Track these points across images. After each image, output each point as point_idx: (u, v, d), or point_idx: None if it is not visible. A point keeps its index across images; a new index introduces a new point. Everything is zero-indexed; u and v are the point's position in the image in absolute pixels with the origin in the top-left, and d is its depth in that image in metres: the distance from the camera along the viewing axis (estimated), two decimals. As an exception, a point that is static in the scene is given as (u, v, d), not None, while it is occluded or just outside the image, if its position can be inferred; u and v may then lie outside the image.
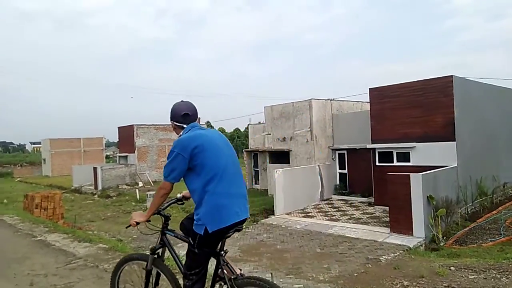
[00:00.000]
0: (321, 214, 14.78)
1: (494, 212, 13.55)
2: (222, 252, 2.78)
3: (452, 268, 8.06)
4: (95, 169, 29.52)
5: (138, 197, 23.66)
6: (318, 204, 16.85)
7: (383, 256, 9.29)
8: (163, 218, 3.32)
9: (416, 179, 10.97)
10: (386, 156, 15.11)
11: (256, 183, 23.14)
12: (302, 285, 7.55)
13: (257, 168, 22.92)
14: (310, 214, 14.97)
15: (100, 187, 28.31)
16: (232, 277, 2.67)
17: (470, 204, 13.72)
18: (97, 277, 5.75)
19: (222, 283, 2.74)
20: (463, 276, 7.55)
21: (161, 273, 3.23)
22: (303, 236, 11.70)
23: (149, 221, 3.18)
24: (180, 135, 2.81)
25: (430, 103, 13.68)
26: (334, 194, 18.23)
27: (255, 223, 14.34)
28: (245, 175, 24.63)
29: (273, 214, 15.07)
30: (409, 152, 14.35)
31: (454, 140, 13.13)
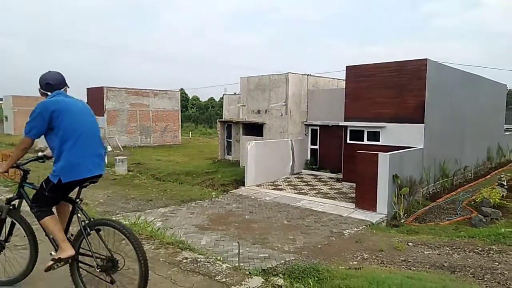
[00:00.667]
0: (291, 187, 15.06)
1: (453, 193, 14.29)
2: (78, 200, 3.37)
3: (410, 243, 8.49)
4: (61, 130, 28.44)
5: (106, 161, 23.11)
6: (288, 178, 17.12)
7: (347, 230, 9.64)
8: (21, 172, 3.59)
9: (383, 158, 11.30)
10: (357, 134, 15.41)
11: (228, 154, 23.13)
12: (267, 254, 7.74)
13: (230, 139, 22.85)
14: (279, 187, 15.21)
15: (66, 149, 27.41)
16: (86, 220, 3.24)
17: (432, 184, 14.37)
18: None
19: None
20: (419, 251, 7.98)
21: (16, 223, 3.58)
22: (272, 207, 11.91)
23: (7, 172, 3.49)
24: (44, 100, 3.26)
25: (404, 84, 13.92)
26: (304, 169, 18.56)
27: (225, 193, 14.44)
28: (217, 146, 24.56)
29: (244, 185, 15.20)
30: (379, 132, 14.69)
31: (423, 123, 13.53)
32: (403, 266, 6.98)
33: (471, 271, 6.58)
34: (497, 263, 6.94)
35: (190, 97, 79.29)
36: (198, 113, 72.96)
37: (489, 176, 18.14)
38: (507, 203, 12.27)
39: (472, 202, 12.65)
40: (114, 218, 7.73)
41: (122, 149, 29.23)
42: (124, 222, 6.68)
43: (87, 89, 33.80)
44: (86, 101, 37.21)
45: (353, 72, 15.39)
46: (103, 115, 30.82)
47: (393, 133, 14.27)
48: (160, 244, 5.40)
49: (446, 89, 15.10)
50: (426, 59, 13.47)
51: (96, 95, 31.83)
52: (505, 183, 14.28)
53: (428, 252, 7.85)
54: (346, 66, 15.57)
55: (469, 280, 6.15)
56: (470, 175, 17.53)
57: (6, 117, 48.06)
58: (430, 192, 14.13)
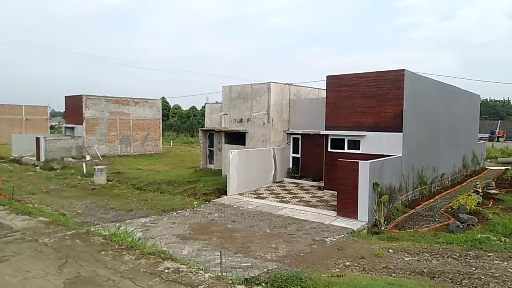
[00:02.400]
0: (273, 196, 15.07)
1: (431, 200, 14.62)
2: None
3: (390, 250, 8.62)
4: (37, 139, 27.65)
5: (84, 171, 22.59)
6: (271, 186, 17.14)
7: (329, 238, 9.70)
8: None
9: (364, 166, 11.48)
10: (338, 143, 15.62)
11: (210, 163, 23.00)
12: (250, 264, 7.69)
13: (212, 147, 22.74)
14: (262, 195, 15.20)
15: (42, 159, 26.63)
16: None
17: (411, 192, 14.67)
18: (35, 251, 5.45)
19: None
20: (400, 258, 8.10)
21: None
22: (254, 216, 11.87)
23: None
24: None
25: (383, 94, 14.25)
26: (287, 177, 18.63)
27: (207, 202, 14.31)
28: (199, 154, 24.41)
29: (226, 194, 15.12)
30: (359, 140, 14.94)
31: (401, 131, 13.85)
32: (384, 273, 7.07)
33: (449, 276, 6.73)
34: (474, 268, 7.12)
35: (172, 106, 78.72)
36: (180, 121, 72.43)
37: (465, 183, 18.68)
38: (482, 210, 12.64)
39: (450, 209, 12.97)
40: (92, 229, 7.55)
41: (101, 158, 28.63)
42: (104, 233, 6.54)
43: (65, 97, 33.10)
44: (64, 109, 36.31)
45: (333, 81, 15.65)
46: (82, 124, 30.19)
47: (373, 141, 14.54)
48: (141, 255, 5.31)
49: (423, 99, 15.54)
50: (403, 70, 13.86)
51: (74, 104, 31.17)
52: (480, 190, 14.72)
53: (408, 259, 7.98)
54: (327, 76, 15.83)
55: (448, 286, 6.28)
56: (447, 182, 18.00)
57: (-21, 126, 46.39)
58: (409, 199, 14.42)
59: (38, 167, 25.33)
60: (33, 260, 5.11)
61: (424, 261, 7.77)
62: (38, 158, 27.06)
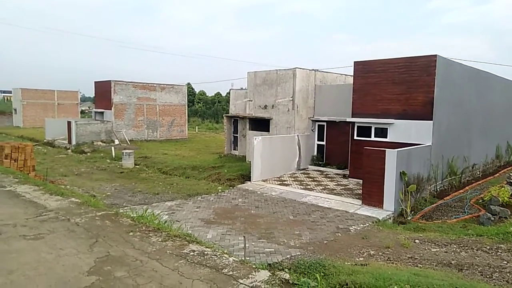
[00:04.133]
0: (297, 183, 15.03)
1: (461, 191, 14.15)
2: None
3: (416, 241, 8.45)
4: (69, 123, 28.64)
5: (113, 154, 23.27)
6: (294, 173, 17.09)
7: (353, 226, 9.61)
8: None
9: (391, 155, 11.22)
10: (364, 130, 15.31)
11: (234, 149, 23.14)
12: (273, 249, 7.75)
13: (237, 134, 22.83)
14: (285, 182, 15.19)
15: (74, 142, 27.62)
16: None
17: (440, 182, 14.25)
18: (68, 230, 5.68)
19: None
20: (426, 248, 7.93)
21: None
22: (278, 203, 11.91)
23: None
24: None
25: (412, 80, 13.77)
26: (311, 165, 18.51)
27: (231, 187, 14.46)
28: (223, 140, 24.58)
29: (250, 180, 15.21)
30: (387, 128, 14.58)
31: (431, 119, 13.39)
32: (409, 263, 6.95)
33: (479, 269, 6.53)
34: (505, 262, 6.88)
35: (197, 92, 79.35)
36: (205, 108, 73.01)
37: (497, 174, 17.93)
38: (516, 202, 12.12)
39: (480, 200, 12.51)
40: (121, 211, 7.80)
41: (129, 143, 29.37)
42: (132, 215, 6.74)
43: (95, 82, 33.97)
44: (93, 94, 37.46)
45: (361, 67, 15.26)
46: (111, 109, 30.98)
47: (401, 129, 14.15)
48: (167, 237, 5.44)
49: (455, 86, 14.91)
50: (435, 55, 13.31)
51: (103, 89, 31.97)
52: (514, 182, 14.10)
53: (435, 250, 7.80)
54: (354, 62, 15.44)
55: (477, 278, 6.10)
56: (478, 173, 17.35)
57: (15, 110, 48.55)
58: (438, 189, 14.02)
59: (69, 150, 26.31)
60: (66, 238, 5.34)
61: (452, 253, 7.58)
62: (69, 142, 28.09)
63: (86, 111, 68.78)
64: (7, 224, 5.92)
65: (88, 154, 24.73)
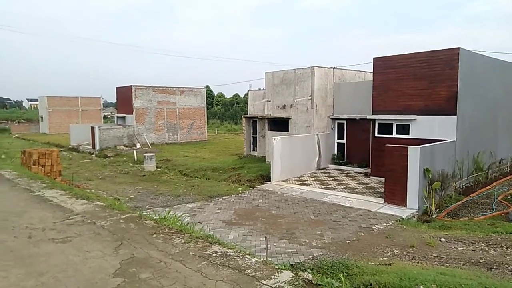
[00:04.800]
0: (317, 182, 14.93)
1: (488, 187, 13.70)
2: None
3: (442, 239, 8.24)
4: (92, 128, 29.42)
5: (135, 158, 23.74)
6: (315, 173, 16.97)
7: (376, 225, 9.46)
8: None
9: (414, 152, 10.98)
10: (385, 127, 15.05)
11: (254, 150, 23.19)
12: (295, 250, 7.72)
13: (256, 134, 22.87)
14: (306, 182, 15.11)
15: (97, 147, 28.34)
16: None
17: (466, 178, 13.85)
18: (94, 233, 5.84)
19: None
20: (453, 247, 7.73)
21: None
22: (298, 203, 11.86)
23: None
24: None
25: (435, 75, 13.44)
26: (331, 164, 18.34)
27: (251, 188, 14.50)
28: (243, 142, 24.68)
29: (270, 181, 15.21)
30: (409, 125, 14.29)
31: (455, 114, 13.04)
32: (435, 262, 6.79)
33: (509, 268, 6.32)
34: (537, 260, 6.62)
35: (215, 94, 79.93)
36: (224, 109, 73.46)
37: (527, 169, 17.27)
38: (548, 198, 11.66)
39: (509, 197, 12.09)
40: (144, 213, 7.95)
41: (150, 146, 29.91)
42: (155, 217, 6.86)
43: (117, 88, 34.76)
44: (115, 100, 38.17)
45: (380, 63, 15.01)
46: (132, 113, 31.62)
47: (423, 125, 13.84)
48: (190, 238, 5.51)
49: (479, 79, 14.46)
50: (458, 48, 12.95)
51: (125, 94, 32.67)
52: (545, 177, 13.57)
53: (462, 248, 7.59)
54: (374, 58, 15.21)
55: (507, 278, 5.90)
56: (506, 168, 16.75)
57: (42, 117, 50.27)
58: (463, 186, 13.62)
59: (93, 155, 27.02)
60: (92, 241, 5.48)
61: (480, 251, 7.35)
62: (93, 147, 28.85)
63: (109, 116, 70.48)
64: (37, 228, 6.14)
65: (111, 158, 25.32)
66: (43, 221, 6.48)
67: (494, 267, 6.42)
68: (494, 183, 14.30)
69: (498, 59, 16.32)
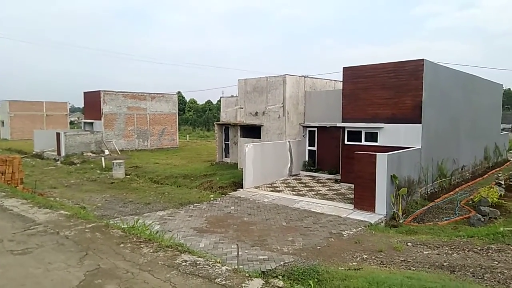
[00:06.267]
0: (289, 189, 15.03)
1: (451, 193, 14.30)
2: None
3: (409, 244, 8.48)
4: (58, 134, 28.32)
5: (103, 165, 23.04)
6: (287, 179, 17.10)
7: (346, 231, 9.62)
8: None
9: (382, 159, 11.30)
10: (354, 135, 15.42)
11: (226, 156, 23.10)
12: (266, 256, 7.71)
13: (228, 141, 22.81)
14: (278, 188, 15.18)
15: (63, 154, 27.29)
16: None
17: (430, 184, 14.38)
18: (57, 244, 5.58)
19: None
20: (419, 251, 7.97)
21: None
22: (270, 209, 11.88)
23: None
24: None
25: (401, 85, 13.95)
26: (303, 170, 18.55)
27: (223, 195, 14.40)
28: (215, 148, 24.52)
29: (242, 187, 15.17)
30: (377, 132, 14.70)
31: (420, 123, 13.55)
32: (402, 266, 6.97)
33: (470, 270, 6.58)
34: (496, 262, 6.94)
35: (187, 100, 79.27)
36: (196, 116, 72.91)
37: (486, 175, 18.18)
38: (505, 202, 12.30)
39: (470, 202, 12.66)
40: (111, 222, 7.69)
41: (119, 153, 29.13)
42: (123, 226, 6.65)
43: (84, 93, 33.72)
44: (82, 105, 36.98)
45: (350, 73, 15.41)
46: (101, 119, 30.73)
47: (390, 133, 14.29)
48: (159, 247, 5.37)
49: (442, 89, 15.14)
50: (423, 59, 13.51)
51: (93, 99, 31.73)
52: (502, 182, 14.31)
53: (427, 252, 7.84)
54: (343, 67, 15.59)
55: (469, 280, 6.14)
56: (467, 174, 17.56)
57: (2, 122, 47.88)
58: (428, 192, 14.14)
59: (59, 162, 25.98)
60: (55, 252, 5.24)
61: (444, 255, 7.63)
62: (59, 153, 27.75)
63: (76, 122, 68.17)
64: (-6, 239, 5.79)
65: (78, 165, 24.45)
66: (1, 232, 6.12)
67: (457, 269, 6.67)
68: (457, 189, 14.94)
69: (459, 70, 17.19)
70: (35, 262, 4.88)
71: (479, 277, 6.25)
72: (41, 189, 15.08)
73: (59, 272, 4.55)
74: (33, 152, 30.31)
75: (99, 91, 30.94)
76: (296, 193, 14.23)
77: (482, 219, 10.57)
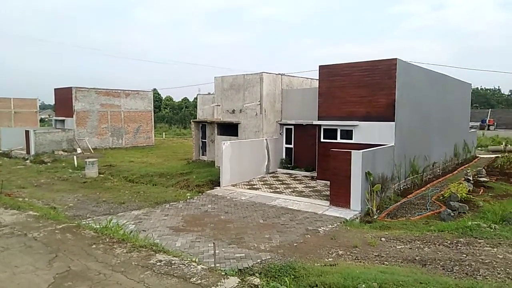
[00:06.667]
0: (266, 186, 15.07)
1: (423, 189, 14.74)
2: None
3: (383, 239, 8.67)
4: (27, 132, 27.23)
5: (76, 164, 22.35)
6: (264, 177, 17.13)
7: (322, 228, 9.73)
8: None
9: (356, 156, 11.50)
10: (330, 133, 15.62)
11: (203, 154, 22.90)
12: (243, 254, 7.69)
13: (205, 139, 22.62)
14: (255, 186, 15.19)
15: (33, 152, 26.28)
16: None
17: (403, 181, 14.77)
18: (25, 246, 5.36)
19: None
20: (392, 246, 8.16)
21: None
22: (247, 207, 11.86)
23: None
24: None
25: (375, 83, 14.22)
26: (280, 168, 18.64)
27: (200, 194, 14.26)
28: (192, 146, 24.26)
29: (219, 186, 15.08)
30: (352, 130, 14.95)
31: (394, 121, 13.87)
32: (376, 261, 7.11)
33: (441, 263, 6.79)
34: (465, 255, 7.20)
35: (164, 97, 78.10)
36: (172, 113, 71.97)
37: (456, 171, 18.87)
38: (473, 197, 12.79)
39: (441, 197, 13.09)
40: (83, 223, 7.47)
41: (92, 151, 28.35)
42: (95, 226, 6.47)
43: (55, 89, 32.59)
44: (53, 102, 35.67)
45: (326, 71, 15.58)
46: (72, 116, 29.80)
47: (365, 131, 14.56)
48: (133, 248, 5.26)
49: (415, 88, 15.56)
50: (395, 59, 13.82)
51: (64, 96, 30.71)
52: (471, 178, 14.88)
53: (400, 247, 8.04)
54: (319, 66, 15.74)
55: (439, 272, 6.34)
56: (438, 171, 18.16)
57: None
58: (401, 188, 14.52)
59: (28, 161, 25.01)
60: (22, 255, 5.03)
61: (416, 249, 7.84)
62: (28, 152, 26.71)
63: (46, 120, 65.89)
64: (-44, 242, 5.50)
65: (49, 164, 23.61)
66: (-36, 235, 5.82)
67: (428, 263, 6.86)
68: (428, 185, 15.42)
69: (431, 70, 17.71)
70: (1, 265, 4.67)
71: (449, 270, 6.46)
72: (8, 189, 14.46)
73: (27, 275, 4.37)
74: (0, 151, 29.05)
75: (71, 87, 29.97)
76: (273, 190, 14.28)
77: (452, 214, 10.94)
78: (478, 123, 53.38)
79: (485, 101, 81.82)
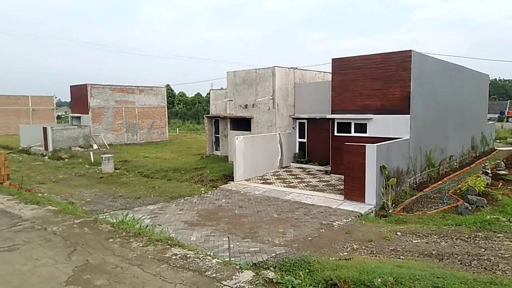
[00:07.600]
0: (280, 181, 15.06)
1: (440, 182, 14.50)
2: None
3: (398, 233, 8.58)
4: (45, 129, 27.82)
5: (92, 159, 22.75)
6: (277, 171, 17.12)
7: (336, 222, 9.68)
8: None
9: (371, 150, 11.37)
10: (344, 126, 15.48)
11: (216, 150, 23.01)
12: (258, 248, 7.72)
13: (218, 134, 22.71)
14: (268, 180, 15.20)
15: (50, 148, 26.85)
16: None
17: (419, 174, 14.56)
18: (44, 240, 5.50)
19: None
20: (408, 240, 8.07)
21: None
22: (261, 202, 11.89)
23: None
24: None
25: (389, 76, 14.00)
26: (293, 162, 18.59)
27: (214, 188, 14.36)
28: (205, 141, 24.40)
29: (233, 180, 15.14)
30: (366, 124, 14.78)
31: (409, 113, 13.65)
32: (392, 256, 7.05)
33: (458, 258, 6.68)
34: (483, 250, 7.07)
35: (177, 93, 78.62)
36: (185, 109, 72.42)
37: (473, 164, 18.48)
38: (492, 191, 12.51)
39: (458, 191, 12.85)
40: (100, 217, 7.62)
41: (108, 147, 28.79)
42: (112, 221, 6.59)
43: (71, 87, 33.12)
44: (69, 99, 36.26)
45: (338, 64, 15.41)
46: (88, 113, 30.29)
47: (379, 124, 14.37)
48: (149, 241, 5.33)
49: (430, 80, 15.26)
50: (410, 51, 13.56)
51: (80, 93, 31.22)
52: (489, 171, 14.56)
53: (416, 241, 7.94)
54: (332, 59, 15.58)
55: (457, 267, 6.24)
56: (455, 164, 17.82)
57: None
58: (417, 182, 14.31)
59: (46, 157, 25.58)
60: (42, 248, 5.16)
61: (433, 243, 7.73)
62: (46, 148, 27.30)
63: (63, 116, 67.20)
64: (-20, 236, 5.68)
65: (66, 160, 24.10)
66: (-13, 229, 6.01)
67: (445, 257, 6.77)
68: (445, 178, 15.15)
69: (447, 61, 17.33)
70: (22, 258, 4.80)
71: (467, 264, 6.35)
72: (28, 184, 14.84)
73: (47, 268, 4.49)
74: (20, 148, 29.77)
75: (86, 84, 30.43)
76: (287, 185, 14.26)
77: (470, 208, 10.74)
78: (496, 115, 52.12)
79: (504, 92, 79.77)
